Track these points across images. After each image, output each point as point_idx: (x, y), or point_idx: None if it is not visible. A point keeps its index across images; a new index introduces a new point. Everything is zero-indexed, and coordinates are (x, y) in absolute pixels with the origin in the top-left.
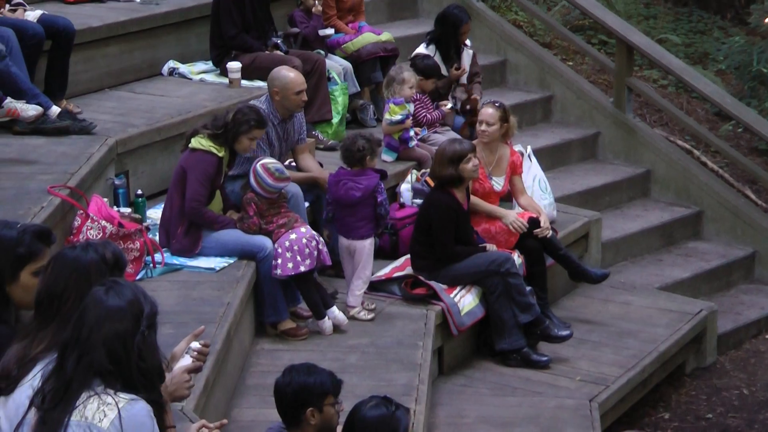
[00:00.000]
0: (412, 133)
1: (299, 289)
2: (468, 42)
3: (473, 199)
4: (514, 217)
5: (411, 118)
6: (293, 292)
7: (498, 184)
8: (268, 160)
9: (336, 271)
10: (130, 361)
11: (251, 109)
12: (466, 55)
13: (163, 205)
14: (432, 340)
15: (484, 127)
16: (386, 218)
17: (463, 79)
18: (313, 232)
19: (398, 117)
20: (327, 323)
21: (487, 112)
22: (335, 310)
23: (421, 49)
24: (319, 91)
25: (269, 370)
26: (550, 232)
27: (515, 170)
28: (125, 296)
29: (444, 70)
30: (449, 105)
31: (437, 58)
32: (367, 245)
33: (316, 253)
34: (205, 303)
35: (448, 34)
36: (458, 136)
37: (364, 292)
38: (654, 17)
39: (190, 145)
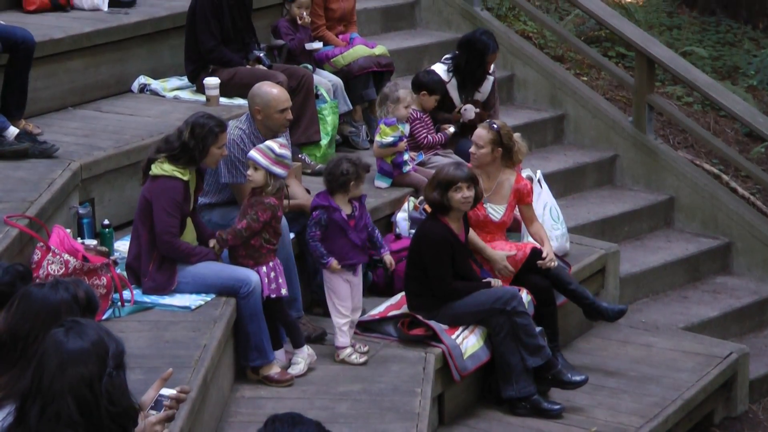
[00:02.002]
0: (406, 156)
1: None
2: (491, 68)
3: (471, 232)
4: (503, 263)
5: (405, 140)
6: (277, 334)
7: (496, 213)
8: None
9: (324, 310)
10: (100, 407)
11: (205, 116)
12: (487, 83)
13: (129, 241)
14: (431, 387)
15: (473, 149)
16: (308, 248)
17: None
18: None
19: (389, 139)
20: (280, 354)
21: (478, 134)
22: (301, 353)
23: (439, 71)
24: (305, 110)
25: (250, 420)
26: (555, 262)
27: (522, 199)
28: (88, 336)
29: (456, 100)
30: (452, 129)
31: (452, 86)
32: (324, 274)
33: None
34: (179, 345)
35: (472, 63)
36: (461, 160)
37: (356, 333)
38: (678, 27)
39: (151, 172)
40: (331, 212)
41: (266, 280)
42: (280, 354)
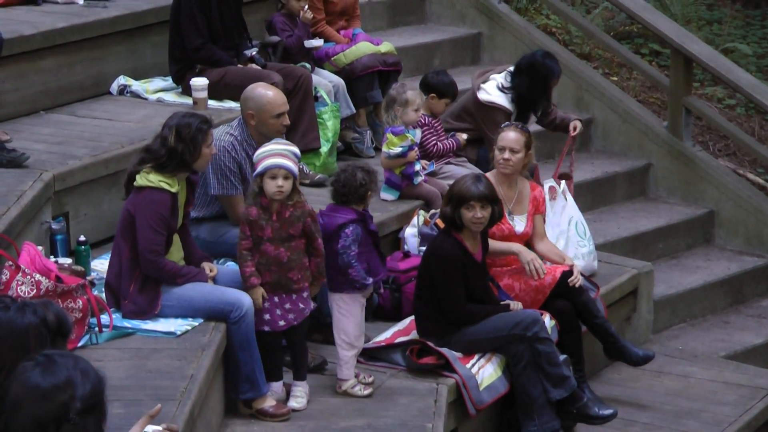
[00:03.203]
0: (418, 166)
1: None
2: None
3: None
4: (532, 256)
5: (416, 149)
6: (276, 362)
7: (520, 223)
8: None
9: (325, 336)
10: None
11: (186, 116)
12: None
13: (109, 258)
14: (444, 422)
15: (507, 154)
16: (349, 271)
17: None
18: None
19: (398, 150)
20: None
21: (511, 137)
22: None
23: (497, 98)
24: (304, 114)
25: None
26: (580, 280)
27: (538, 208)
28: (55, 377)
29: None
30: (465, 135)
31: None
32: (335, 300)
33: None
34: (162, 376)
35: (534, 90)
36: (480, 173)
37: (360, 362)
38: (718, 22)
39: (135, 183)
40: (368, 223)
41: (279, 311)
42: (277, 386)
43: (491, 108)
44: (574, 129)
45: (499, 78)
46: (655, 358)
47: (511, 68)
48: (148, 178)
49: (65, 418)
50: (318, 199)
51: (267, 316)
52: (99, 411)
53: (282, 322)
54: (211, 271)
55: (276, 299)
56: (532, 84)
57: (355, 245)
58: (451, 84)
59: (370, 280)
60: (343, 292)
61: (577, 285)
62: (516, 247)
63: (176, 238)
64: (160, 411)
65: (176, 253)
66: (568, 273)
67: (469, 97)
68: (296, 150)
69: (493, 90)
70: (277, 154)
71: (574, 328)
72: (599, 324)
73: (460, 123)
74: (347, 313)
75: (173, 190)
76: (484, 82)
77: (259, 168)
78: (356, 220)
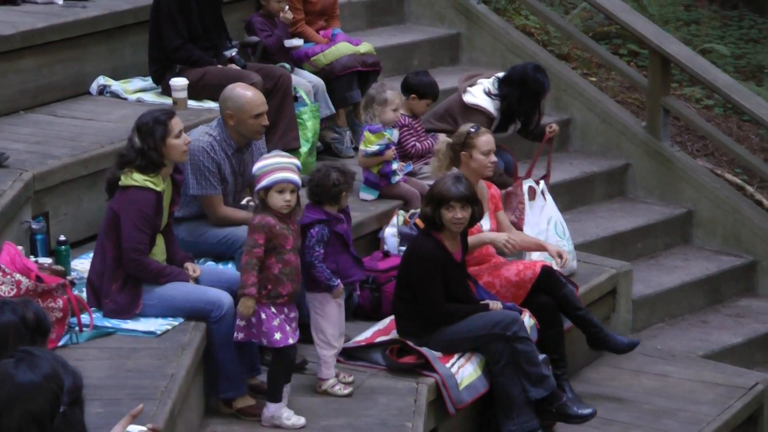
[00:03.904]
0: (395, 165)
1: (275, 364)
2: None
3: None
4: (504, 236)
5: (394, 147)
6: (252, 360)
7: (486, 222)
8: None
9: (305, 336)
10: None
11: (146, 113)
12: None
13: (91, 257)
14: (424, 421)
15: (493, 157)
16: (312, 271)
17: None
18: None
19: (374, 148)
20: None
21: (492, 140)
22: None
23: (484, 103)
24: (283, 114)
25: None
26: (567, 258)
27: (497, 205)
28: (40, 369)
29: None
30: (443, 136)
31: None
32: (311, 301)
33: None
34: (142, 375)
35: (526, 104)
36: (460, 174)
37: (340, 361)
38: (696, 22)
39: (120, 183)
40: (334, 224)
41: (276, 323)
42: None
43: (474, 110)
44: (551, 130)
45: (487, 83)
46: (634, 357)
47: (500, 74)
48: (132, 178)
49: (58, 410)
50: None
51: (287, 328)
52: (81, 403)
53: (293, 337)
54: (194, 271)
55: (291, 314)
56: (523, 98)
57: (319, 246)
58: (431, 84)
59: (337, 281)
60: (315, 291)
61: (563, 266)
62: (486, 236)
63: (160, 239)
64: (142, 411)
65: (159, 254)
66: (548, 268)
67: (454, 99)
68: (299, 163)
69: (480, 94)
70: (283, 168)
71: (556, 324)
72: (582, 315)
73: (442, 124)
74: (322, 313)
75: (158, 189)
76: (471, 86)
77: (266, 182)
78: (323, 221)
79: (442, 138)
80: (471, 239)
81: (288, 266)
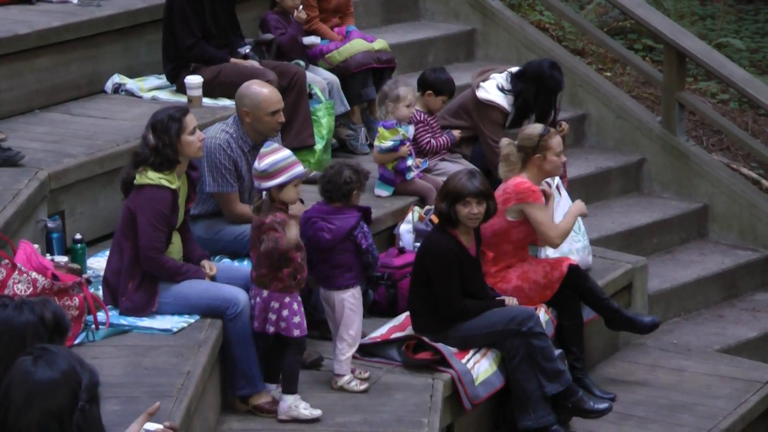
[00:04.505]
0: (410, 162)
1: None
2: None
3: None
4: (578, 207)
5: (409, 143)
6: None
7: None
8: None
9: (321, 332)
10: None
11: (160, 110)
12: None
13: (107, 256)
14: (439, 417)
15: (564, 157)
16: (374, 267)
17: None
18: None
19: (389, 144)
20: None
21: (560, 141)
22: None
23: (494, 94)
24: (298, 111)
25: None
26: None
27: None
28: (58, 366)
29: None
30: (458, 132)
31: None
32: (347, 298)
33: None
34: (159, 373)
35: (543, 102)
36: (474, 168)
37: (356, 357)
38: (711, 17)
39: (135, 182)
40: (368, 216)
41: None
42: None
43: (488, 106)
44: (560, 129)
45: (500, 78)
46: (650, 352)
47: (513, 69)
48: (147, 176)
49: (77, 406)
50: (312, 196)
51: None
52: (98, 400)
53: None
54: (210, 269)
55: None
56: (540, 94)
57: (369, 236)
58: (448, 81)
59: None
60: (353, 287)
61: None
62: (571, 212)
63: (176, 236)
64: (159, 409)
65: (176, 253)
66: (574, 266)
67: (467, 94)
68: (261, 166)
69: (493, 89)
70: (296, 161)
71: (576, 315)
72: (606, 303)
73: (456, 120)
74: (357, 309)
75: (173, 186)
76: (484, 81)
77: (286, 176)
78: (359, 218)
79: (506, 142)
80: (565, 223)
81: (304, 252)
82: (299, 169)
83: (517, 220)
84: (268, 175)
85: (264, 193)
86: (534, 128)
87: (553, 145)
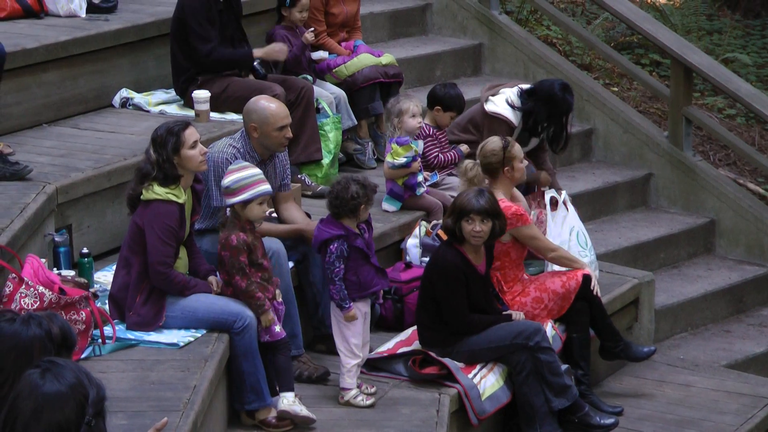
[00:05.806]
0: (420, 177)
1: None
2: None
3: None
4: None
5: (419, 159)
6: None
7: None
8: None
9: (328, 347)
10: None
11: (161, 126)
12: None
13: (114, 270)
14: (446, 431)
15: (525, 160)
16: (330, 287)
17: None
18: None
19: (402, 160)
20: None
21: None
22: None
23: (502, 108)
24: (305, 126)
25: None
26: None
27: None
28: (66, 379)
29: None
30: (465, 147)
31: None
32: (334, 308)
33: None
34: (166, 387)
35: (556, 123)
36: (485, 187)
37: (363, 372)
38: (718, 32)
39: (142, 197)
40: (352, 239)
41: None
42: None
43: (495, 119)
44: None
45: (510, 93)
46: (657, 367)
47: (523, 86)
48: (154, 191)
49: (83, 420)
50: (319, 211)
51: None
52: (104, 414)
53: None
54: (217, 286)
55: (280, 308)
56: (551, 117)
57: (339, 262)
58: (457, 97)
59: (349, 304)
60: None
61: (597, 293)
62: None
63: (183, 251)
64: (167, 424)
65: (182, 266)
66: (588, 276)
67: (477, 109)
68: (225, 182)
69: (501, 103)
70: (263, 179)
71: (585, 329)
72: (608, 324)
73: (465, 135)
74: (345, 322)
75: (180, 200)
76: (493, 95)
77: (249, 194)
78: (341, 236)
79: (471, 164)
80: (567, 261)
81: (266, 272)
82: (264, 187)
83: (509, 242)
84: (231, 191)
85: (228, 210)
86: (494, 143)
87: (517, 153)
